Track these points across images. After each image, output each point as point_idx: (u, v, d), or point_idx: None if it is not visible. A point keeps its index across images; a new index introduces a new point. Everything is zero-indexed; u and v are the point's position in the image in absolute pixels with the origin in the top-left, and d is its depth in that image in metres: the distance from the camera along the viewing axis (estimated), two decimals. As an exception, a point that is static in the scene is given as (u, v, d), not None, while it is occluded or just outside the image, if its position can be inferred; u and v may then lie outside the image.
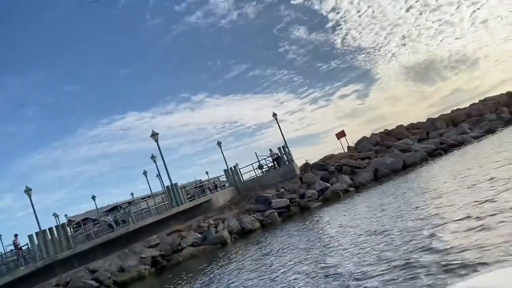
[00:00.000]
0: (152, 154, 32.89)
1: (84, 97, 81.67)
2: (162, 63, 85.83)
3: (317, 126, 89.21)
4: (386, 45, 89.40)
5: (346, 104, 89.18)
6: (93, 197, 41.25)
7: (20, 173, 71.48)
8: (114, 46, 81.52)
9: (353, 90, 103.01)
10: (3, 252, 28.30)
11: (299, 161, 33.87)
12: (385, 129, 34.91)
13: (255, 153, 32.38)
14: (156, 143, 24.74)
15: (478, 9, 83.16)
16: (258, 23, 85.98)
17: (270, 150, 29.63)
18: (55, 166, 79.39)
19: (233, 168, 29.02)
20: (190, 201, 25.19)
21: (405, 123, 35.30)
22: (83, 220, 41.08)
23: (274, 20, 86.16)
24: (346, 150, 35.29)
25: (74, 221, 42.07)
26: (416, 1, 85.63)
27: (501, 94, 38.33)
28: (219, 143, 34.68)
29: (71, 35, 78.39)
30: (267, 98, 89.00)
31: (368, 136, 35.41)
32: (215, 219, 23.67)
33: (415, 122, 36.25)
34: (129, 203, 41.09)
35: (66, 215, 44.48)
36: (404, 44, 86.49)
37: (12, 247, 23.79)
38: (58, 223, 38.54)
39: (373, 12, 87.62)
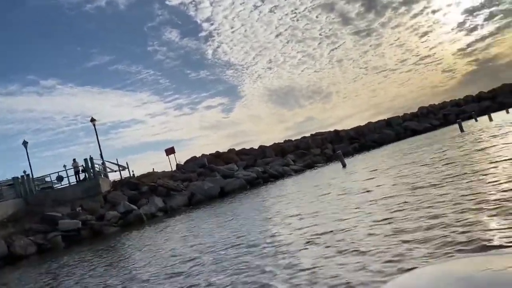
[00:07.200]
0: None
1: None
2: (12, 38, 71.42)
3: (179, 133, 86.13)
4: (254, 65, 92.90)
5: (211, 115, 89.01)
6: None
7: None
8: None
9: (219, 103, 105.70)
10: None
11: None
12: (216, 151, 33.82)
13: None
14: None
15: (336, 48, 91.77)
16: (129, 16, 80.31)
17: (74, 160, 25.56)
18: None
19: (24, 177, 24.01)
20: None
21: (264, 142, 35.44)
22: None
23: (146, 16, 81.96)
24: (174, 168, 33.17)
25: None
26: (285, 30, 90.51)
27: (329, 131, 40.85)
28: (24, 143, 29.23)
29: None
30: (129, 96, 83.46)
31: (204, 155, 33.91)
32: (-23, 240, 18.72)
33: (272, 143, 36.39)
34: None
35: None
36: (270, 68, 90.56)
37: None
38: None
39: (245, 31, 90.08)
